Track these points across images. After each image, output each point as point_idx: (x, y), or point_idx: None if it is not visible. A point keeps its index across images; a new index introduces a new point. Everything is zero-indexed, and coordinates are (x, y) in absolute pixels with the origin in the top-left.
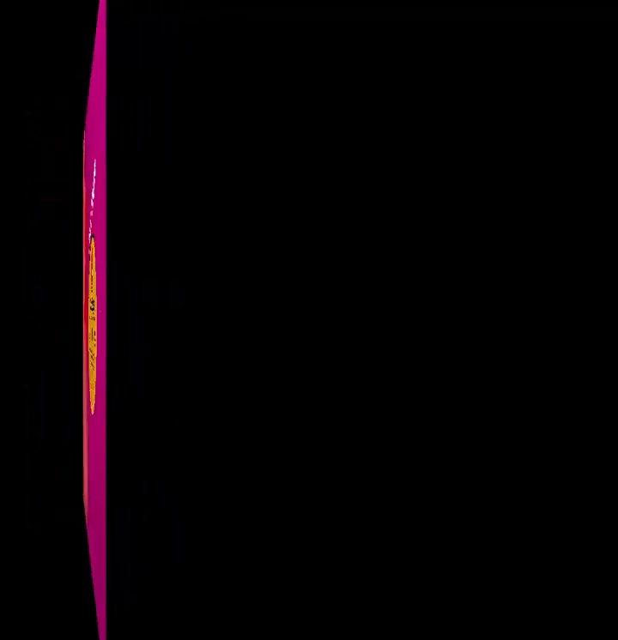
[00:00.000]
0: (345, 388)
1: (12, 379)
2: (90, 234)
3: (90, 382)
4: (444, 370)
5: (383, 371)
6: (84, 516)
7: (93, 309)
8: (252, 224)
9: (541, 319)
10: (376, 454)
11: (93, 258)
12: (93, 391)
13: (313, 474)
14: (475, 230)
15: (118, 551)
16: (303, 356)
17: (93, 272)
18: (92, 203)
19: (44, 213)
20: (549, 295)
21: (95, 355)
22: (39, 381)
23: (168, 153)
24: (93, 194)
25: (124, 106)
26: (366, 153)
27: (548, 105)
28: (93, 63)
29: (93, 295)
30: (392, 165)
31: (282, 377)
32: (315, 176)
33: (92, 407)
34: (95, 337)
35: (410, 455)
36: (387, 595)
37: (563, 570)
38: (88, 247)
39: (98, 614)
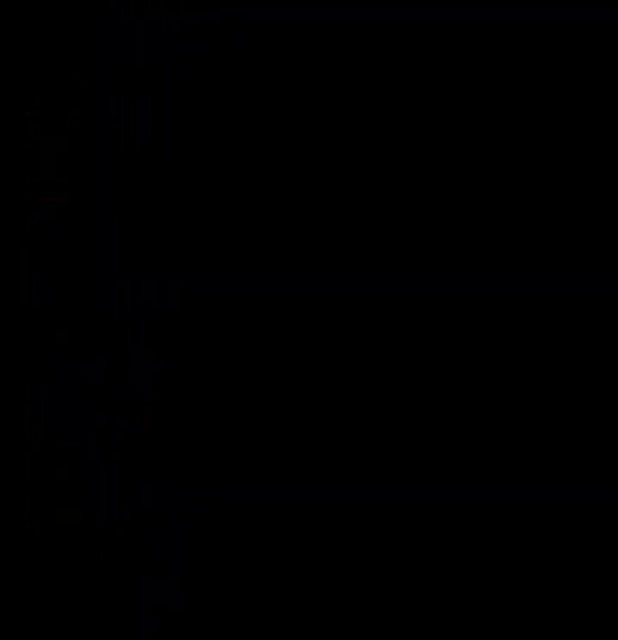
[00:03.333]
0: (343, 387)
1: (12, 379)
2: None
3: None
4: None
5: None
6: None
7: None
8: (252, 223)
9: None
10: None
11: None
12: None
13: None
14: (475, 229)
15: None
16: (304, 356)
17: None
18: None
19: (44, 213)
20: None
21: None
22: (39, 381)
23: (168, 153)
24: None
25: (124, 106)
26: (366, 154)
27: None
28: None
29: None
30: (393, 168)
31: (282, 376)
32: (315, 175)
33: None
34: None
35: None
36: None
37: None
38: None
39: None
